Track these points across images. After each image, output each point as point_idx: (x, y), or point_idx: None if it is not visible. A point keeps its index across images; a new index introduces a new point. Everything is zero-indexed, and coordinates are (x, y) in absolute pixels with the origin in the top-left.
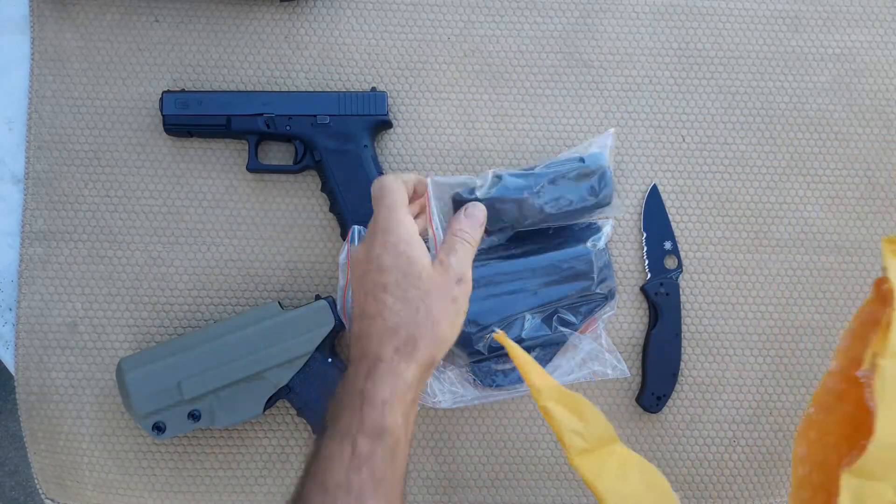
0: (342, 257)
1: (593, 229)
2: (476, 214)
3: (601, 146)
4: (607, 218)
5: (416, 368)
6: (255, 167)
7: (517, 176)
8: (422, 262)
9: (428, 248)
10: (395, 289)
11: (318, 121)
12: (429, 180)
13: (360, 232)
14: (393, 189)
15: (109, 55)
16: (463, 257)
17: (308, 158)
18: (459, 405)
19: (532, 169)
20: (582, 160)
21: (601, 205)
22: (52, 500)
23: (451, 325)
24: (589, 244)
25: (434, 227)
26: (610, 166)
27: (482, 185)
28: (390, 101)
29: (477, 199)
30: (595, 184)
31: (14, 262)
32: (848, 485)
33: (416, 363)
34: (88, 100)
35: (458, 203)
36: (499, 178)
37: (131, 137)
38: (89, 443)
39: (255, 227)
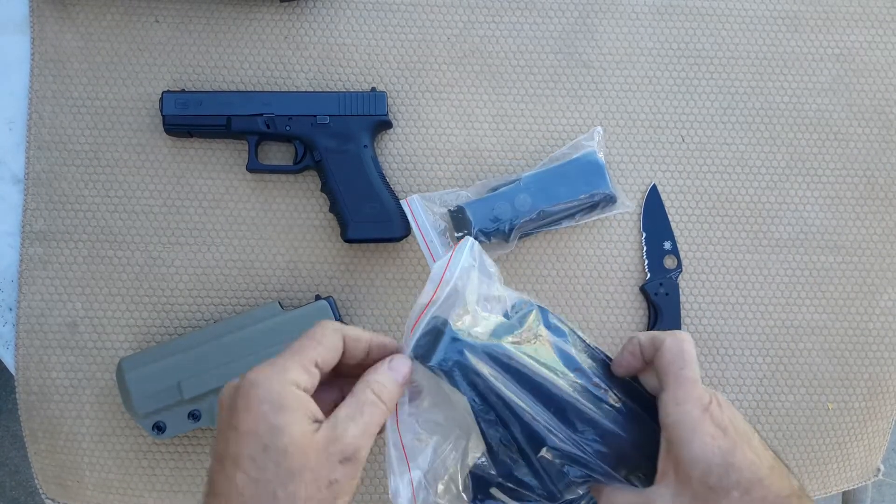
0: (436, 269)
1: None
2: (399, 369)
3: (588, 142)
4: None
5: None
6: (255, 167)
7: (506, 183)
8: (291, 431)
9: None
10: (249, 465)
11: (318, 121)
12: (413, 198)
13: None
14: (312, 332)
15: (109, 55)
16: (365, 426)
17: (308, 158)
18: None
19: (519, 178)
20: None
21: (598, 198)
22: (53, 500)
23: None
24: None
25: (428, 243)
26: (601, 159)
27: (469, 195)
28: (390, 101)
29: (470, 205)
30: (587, 177)
31: (14, 262)
32: None
33: None
34: (88, 100)
35: (455, 214)
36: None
37: (131, 137)
38: (89, 443)
39: (255, 227)
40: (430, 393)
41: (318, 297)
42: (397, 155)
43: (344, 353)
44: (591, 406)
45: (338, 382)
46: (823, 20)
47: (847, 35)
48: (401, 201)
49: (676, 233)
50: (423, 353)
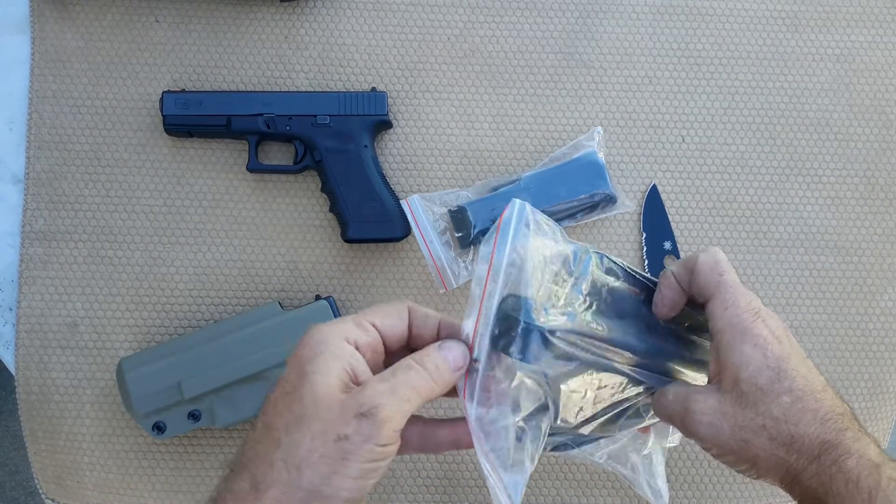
0: (481, 267)
1: None
2: (451, 348)
3: (588, 142)
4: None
5: None
6: (255, 167)
7: (506, 183)
8: (314, 379)
9: (438, 273)
10: (269, 410)
11: (318, 121)
12: (413, 198)
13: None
14: (386, 304)
15: (109, 55)
16: (395, 386)
17: (308, 158)
18: None
19: (519, 178)
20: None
21: (598, 198)
22: (53, 500)
23: (323, 477)
24: None
25: (428, 243)
26: (601, 159)
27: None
28: (390, 101)
29: (470, 205)
30: (587, 177)
31: (14, 262)
32: None
33: None
34: (88, 100)
35: (455, 214)
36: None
37: (131, 137)
38: (89, 443)
39: (255, 227)
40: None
41: (318, 297)
42: (397, 155)
43: (412, 328)
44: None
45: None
46: (823, 20)
47: (847, 35)
48: (401, 201)
49: (676, 233)
50: (503, 345)
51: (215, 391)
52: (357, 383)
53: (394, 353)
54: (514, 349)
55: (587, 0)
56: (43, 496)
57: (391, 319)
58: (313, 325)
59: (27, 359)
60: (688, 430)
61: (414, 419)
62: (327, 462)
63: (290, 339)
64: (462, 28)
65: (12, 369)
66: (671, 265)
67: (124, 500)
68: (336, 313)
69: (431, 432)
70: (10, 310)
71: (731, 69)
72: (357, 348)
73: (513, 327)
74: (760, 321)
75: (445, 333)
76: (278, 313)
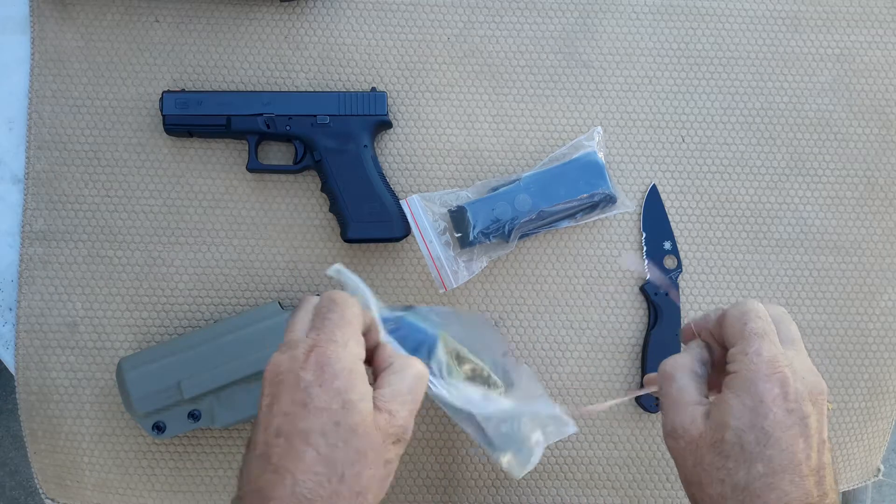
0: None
1: None
2: (417, 366)
3: (588, 142)
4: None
5: None
6: (255, 167)
7: (506, 183)
8: (361, 409)
9: (438, 268)
10: (320, 441)
11: (318, 121)
12: (413, 198)
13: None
14: (346, 304)
15: (109, 55)
16: (415, 410)
17: (308, 158)
18: None
19: (519, 178)
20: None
21: (598, 198)
22: (52, 500)
23: (376, 497)
24: None
25: (427, 243)
26: (601, 159)
27: (468, 195)
28: (390, 101)
29: (470, 205)
30: (587, 177)
31: (14, 262)
32: None
33: None
34: (88, 100)
35: (455, 214)
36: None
37: (131, 137)
38: (89, 443)
39: (255, 227)
40: None
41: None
42: (397, 155)
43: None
44: None
45: None
46: (823, 20)
47: (847, 35)
48: (400, 201)
49: (676, 233)
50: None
51: (215, 391)
52: None
53: None
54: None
55: (587, 0)
56: (43, 496)
57: (362, 322)
58: (330, 344)
59: (27, 359)
60: (666, 402)
61: None
62: (379, 482)
63: None
64: (462, 28)
65: (12, 369)
66: (695, 320)
67: (124, 500)
68: None
69: None
70: (10, 310)
71: (731, 69)
72: (364, 364)
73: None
74: (776, 379)
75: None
76: (278, 313)
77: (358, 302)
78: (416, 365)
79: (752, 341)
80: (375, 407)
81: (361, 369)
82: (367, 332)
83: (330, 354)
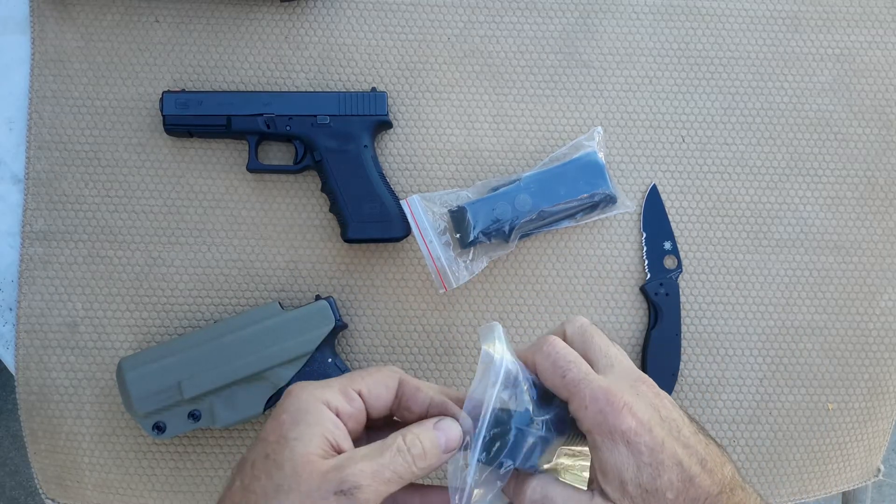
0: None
1: None
2: (447, 430)
3: (588, 142)
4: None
5: None
6: (255, 167)
7: (506, 183)
8: (295, 446)
9: (440, 274)
10: (247, 471)
11: (318, 121)
12: (413, 198)
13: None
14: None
15: (110, 55)
16: (379, 468)
17: (308, 158)
18: None
19: (519, 178)
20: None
21: (598, 198)
22: (53, 500)
23: None
24: None
25: (427, 243)
26: (601, 159)
27: (469, 195)
28: (390, 101)
29: (470, 205)
30: (587, 177)
31: (14, 262)
32: None
33: None
34: (88, 100)
35: (455, 214)
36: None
37: (131, 137)
38: (89, 443)
39: (255, 227)
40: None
41: (318, 297)
42: (397, 155)
43: (401, 399)
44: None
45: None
46: (823, 20)
47: (847, 35)
48: (401, 201)
49: (676, 233)
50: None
51: (215, 391)
52: (338, 451)
53: (377, 419)
54: (504, 454)
55: (587, 0)
56: (43, 496)
57: (378, 389)
58: (298, 386)
59: (27, 359)
60: None
61: (412, 486)
62: None
63: (290, 339)
64: (462, 28)
65: (12, 369)
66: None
67: (124, 500)
68: (336, 313)
69: (428, 499)
70: (10, 310)
71: (731, 69)
72: (338, 415)
73: (506, 433)
74: (627, 412)
75: (436, 411)
76: (278, 313)
77: (387, 367)
78: (406, 439)
79: (580, 392)
80: (336, 457)
81: (319, 410)
82: (408, 392)
83: (295, 391)
